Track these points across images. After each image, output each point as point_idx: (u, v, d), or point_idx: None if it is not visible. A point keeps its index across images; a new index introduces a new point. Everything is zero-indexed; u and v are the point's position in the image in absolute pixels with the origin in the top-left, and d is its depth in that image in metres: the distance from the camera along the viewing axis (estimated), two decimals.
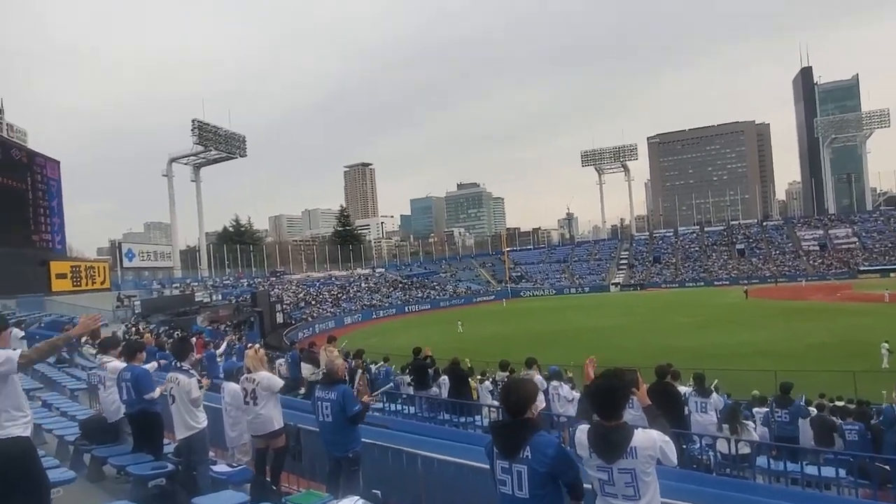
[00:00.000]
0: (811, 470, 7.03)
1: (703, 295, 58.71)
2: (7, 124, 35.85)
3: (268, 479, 5.94)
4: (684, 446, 7.36)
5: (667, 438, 2.83)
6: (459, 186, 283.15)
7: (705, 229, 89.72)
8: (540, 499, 2.88)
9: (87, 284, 41.16)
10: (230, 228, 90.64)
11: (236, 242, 77.26)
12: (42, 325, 20.06)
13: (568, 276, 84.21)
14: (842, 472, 6.78)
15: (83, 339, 19.29)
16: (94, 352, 16.02)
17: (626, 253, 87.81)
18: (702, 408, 8.69)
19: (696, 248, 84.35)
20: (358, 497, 3.96)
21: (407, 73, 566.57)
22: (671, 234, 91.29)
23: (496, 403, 11.56)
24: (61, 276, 38.31)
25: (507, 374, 13.23)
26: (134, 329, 24.14)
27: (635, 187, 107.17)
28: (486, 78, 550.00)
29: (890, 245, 71.94)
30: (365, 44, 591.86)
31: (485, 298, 73.31)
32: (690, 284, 73.26)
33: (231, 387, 6.61)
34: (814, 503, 5.63)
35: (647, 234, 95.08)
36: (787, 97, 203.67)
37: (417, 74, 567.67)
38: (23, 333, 13.52)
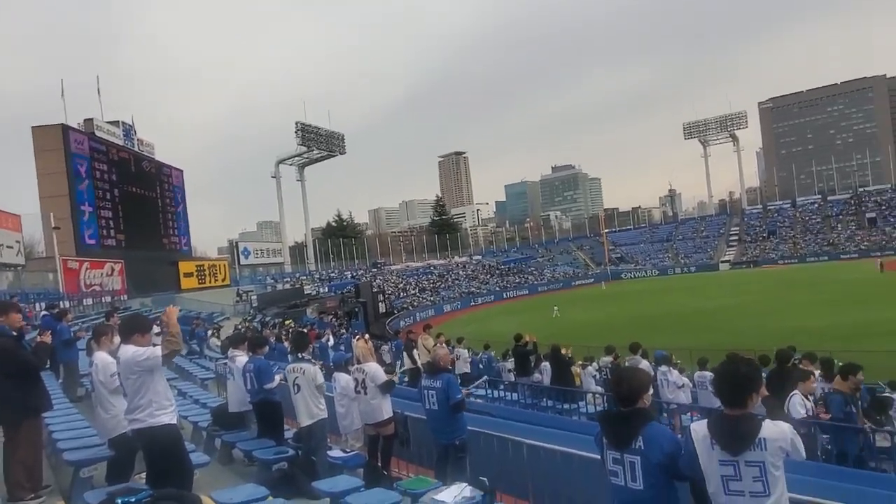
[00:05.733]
0: None
1: (828, 270, 53.76)
2: (138, 139, 39.61)
3: (378, 464, 6.21)
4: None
5: (795, 431, 2.64)
6: (554, 169, 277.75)
7: (828, 198, 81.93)
8: (655, 490, 2.79)
9: (210, 281, 44.90)
10: (333, 223, 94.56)
11: (339, 236, 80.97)
12: None
13: (672, 255, 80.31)
14: None
15: (209, 333, 21.07)
16: (218, 344, 17.46)
17: (737, 228, 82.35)
18: None
19: (818, 220, 77.30)
20: (465, 484, 4.04)
21: (494, 60, 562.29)
22: (788, 205, 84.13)
23: (600, 390, 11.32)
24: (188, 274, 42.08)
25: (612, 359, 12.89)
26: (250, 324, 25.93)
27: (745, 157, 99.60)
28: (575, 60, 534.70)
29: None
30: (449, 32, 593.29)
31: (583, 282, 71.58)
32: (812, 259, 67.44)
33: (343, 377, 6.94)
34: None
35: (761, 206, 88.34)
36: None
37: (505, 60, 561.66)
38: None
